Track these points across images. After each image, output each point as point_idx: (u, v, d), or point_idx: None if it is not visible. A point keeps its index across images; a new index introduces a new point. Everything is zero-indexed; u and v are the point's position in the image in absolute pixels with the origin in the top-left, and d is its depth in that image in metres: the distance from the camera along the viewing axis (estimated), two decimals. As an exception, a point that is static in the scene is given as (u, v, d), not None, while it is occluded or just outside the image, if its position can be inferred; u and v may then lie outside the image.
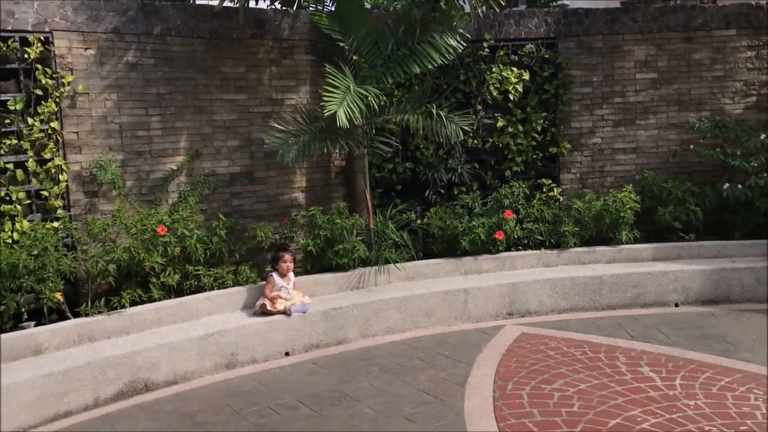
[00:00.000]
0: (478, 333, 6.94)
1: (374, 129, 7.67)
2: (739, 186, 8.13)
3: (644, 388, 5.32)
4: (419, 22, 7.19)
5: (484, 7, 7.47)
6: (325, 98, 6.43)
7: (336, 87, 6.53)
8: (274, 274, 6.71)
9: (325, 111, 6.38)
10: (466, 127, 7.32)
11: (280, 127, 7.09)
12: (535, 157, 8.79)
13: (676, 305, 7.55)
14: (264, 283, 6.79)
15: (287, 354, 6.54)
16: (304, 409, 5.29)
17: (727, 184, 8.19)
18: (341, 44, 7.12)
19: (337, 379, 5.88)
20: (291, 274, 6.84)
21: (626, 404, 5.04)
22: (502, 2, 7.31)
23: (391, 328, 7.02)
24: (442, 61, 7.15)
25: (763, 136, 8.26)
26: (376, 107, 6.92)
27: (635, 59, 8.85)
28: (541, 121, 8.69)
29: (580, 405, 5.06)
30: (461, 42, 7.18)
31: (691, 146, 8.68)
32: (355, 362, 6.29)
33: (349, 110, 6.40)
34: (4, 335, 5.61)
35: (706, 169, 8.81)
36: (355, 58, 7.16)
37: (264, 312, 6.55)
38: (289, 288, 6.71)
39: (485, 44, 8.50)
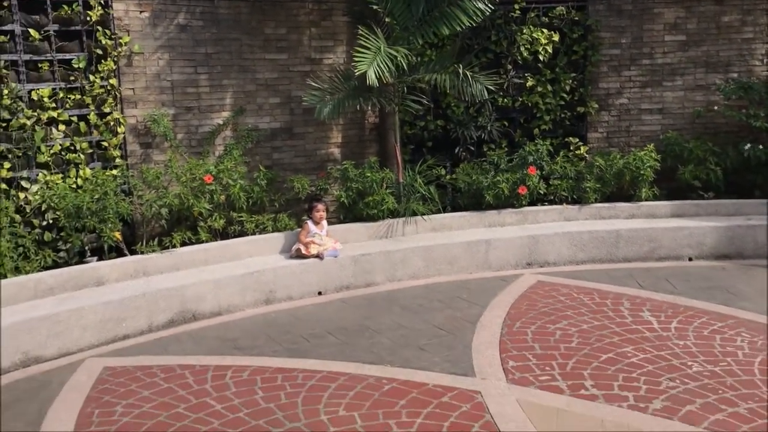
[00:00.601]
0: (496, 280, 7.46)
1: (405, 87, 8.12)
2: (761, 146, 8.36)
3: (641, 329, 5.79)
4: (449, -14, 7.59)
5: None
6: (356, 58, 6.94)
7: (367, 48, 7.02)
8: (309, 222, 7.34)
9: (356, 70, 6.90)
10: (491, 87, 7.72)
11: (316, 85, 7.65)
12: (563, 116, 9.15)
13: (690, 259, 7.91)
14: (300, 229, 7.42)
15: (320, 293, 7.18)
16: (332, 338, 5.94)
17: (748, 145, 8.43)
18: (375, 7, 7.57)
19: (363, 316, 6.51)
20: (324, 222, 7.45)
21: (621, 342, 5.53)
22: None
23: (415, 274, 7.60)
24: (470, 23, 7.53)
25: (788, 98, 8.45)
26: (406, 67, 7.39)
27: (664, 21, 9.06)
28: (570, 81, 9.03)
29: (578, 342, 5.58)
30: (489, 5, 7.54)
31: (715, 107, 8.90)
32: (380, 302, 6.91)
33: (378, 70, 6.90)
34: (71, 267, 6.41)
35: (731, 129, 9.03)
36: (387, 20, 7.61)
37: (299, 255, 7.20)
38: (322, 235, 7.33)
39: (516, 6, 8.84)
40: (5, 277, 6.09)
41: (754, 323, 5.86)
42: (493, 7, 7.62)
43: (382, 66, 6.92)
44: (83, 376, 5.31)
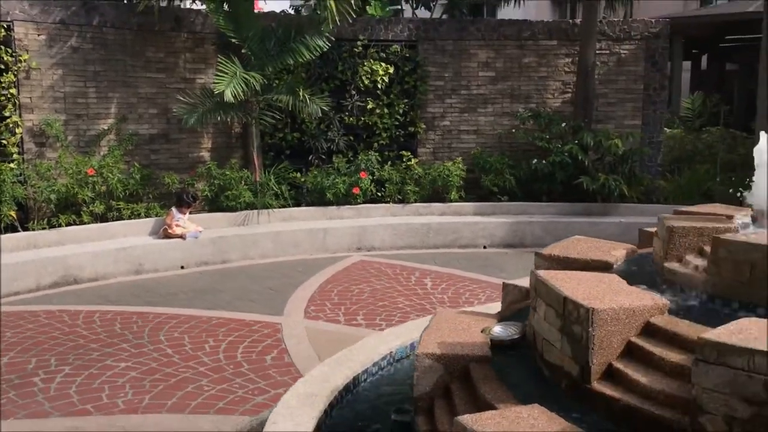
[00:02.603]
0: (329, 260, 9.38)
1: (263, 105, 9.98)
2: (544, 161, 10.68)
3: (417, 289, 7.84)
4: (295, 26, 9.55)
5: (349, 15, 9.68)
6: (216, 80, 8.79)
7: (225, 72, 8.88)
8: (173, 209, 9.06)
9: (215, 90, 8.74)
10: (324, 107, 9.72)
11: (185, 99, 9.43)
12: (397, 133, 11.25)
13: (485, 247, 10.10)
14: (166, 215, 9.14)
15: (182, 267, 8.90)
16: (183, 296, 7.70)
17: (535, 160, 10.73)
18: (233, 40, 9.44)
19: (214, 282, 8.29)
20: (187, 212, 9.19)
21: (397, 296, 7.56)
22: (352, 16, 9.59)
23: (265, 254, 9.43)
24: (310, 56, 9.52)
25: (563, 124, 10.81)
26: (259, 89, 9.27)
27: (478, 60, 11.34)
28: (403, 105, 11.15)
29: (367, 296, 7.57)
30: (327, 43, 9.55)
31: (513, 130, 11.23)
32: (232, 274, 8.70)
33: (234, 90, 8.75)
34: (-28, 238, 7.92)
35: (528, 148, 11.34)
36: (243, 51, 9.49)
37: (166, 236, 8.93)
38: (185, 219, 9.08)
39: (359, 43, 10.91)
40: None
41: (496, 284, 7.99)
42: (329, 44, 9.64)
43: (237, 88, 8.78)
44: (-20, 316, 6.88)
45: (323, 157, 11.01)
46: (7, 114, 8.73)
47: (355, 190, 10.23)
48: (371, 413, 3.59)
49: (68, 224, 8.69)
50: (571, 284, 2.79)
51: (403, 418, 3.24)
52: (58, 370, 5.51)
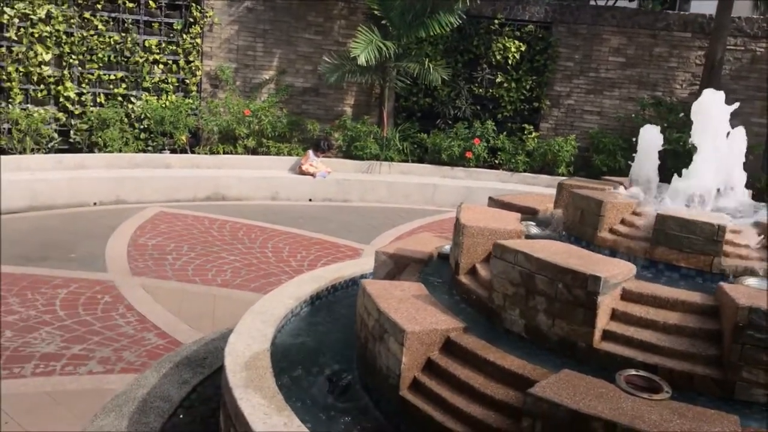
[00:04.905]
0: (432, 212, 10.66)
1: (399, 70, 11.37)
2: (656, 148, 11.08)
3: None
4: (431, 3, 10.78)
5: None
6: (353, 45, 10.31)
7: (363, 40, 10.36)
8: (310, 151, 10.81)
9: (351, 54, 10.26)
10: (445, 77, 10.90)
11: (329, 60, 11.06)
12: (522, 107, 12.16)
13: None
14: (304, 155, 10.92)
15: (310, 200, 10.65)
16: (301, 220, 9.40)
17: (648, 146, 11.16)
18: (376, 13, 10.87)
19: (330, 213, 9.93)
20: (320, 155, 10.90)
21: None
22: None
23: (380, 199, 10.92)
24: (441, 31, 10.72)
25: (681, 114, 11.11)
26: (392, 55, 10.67)
27: (610, 46, 11.87)
28: (531, 82, 12.01)
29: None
30: (458, 20, 10.70)
31: (633, 115, 11.69)
32: (348, 209, 10.30)
33: (368, 55, 10.22)
34: (152, 154, 10.18)
35: (648, 135, 11.74)
36: (383, 22, 10.89)
37: (300, 172, 10.70)
38: (318, 161, 10.79)
39: (496, 21, 11.89)
40: (116, 151, 9.91)
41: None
42: (460, 21, 10.77)
43: (370, 54, 10.23)
44: (147, 212, 9.05)
45: (450, 122, 12.20)
46: (191, 59, 10.89)
47: (468, 154, 11.36)
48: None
49: (225, 153, 10.73)
50: (473, 214, 3.91)
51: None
52: (185, 253, 7.40)
